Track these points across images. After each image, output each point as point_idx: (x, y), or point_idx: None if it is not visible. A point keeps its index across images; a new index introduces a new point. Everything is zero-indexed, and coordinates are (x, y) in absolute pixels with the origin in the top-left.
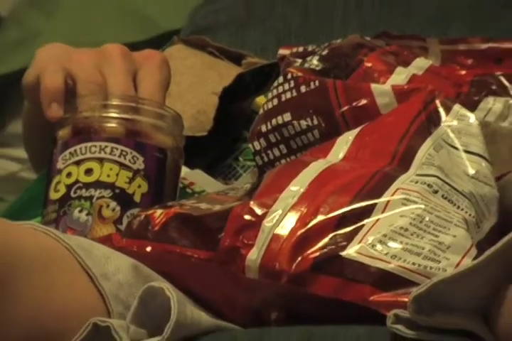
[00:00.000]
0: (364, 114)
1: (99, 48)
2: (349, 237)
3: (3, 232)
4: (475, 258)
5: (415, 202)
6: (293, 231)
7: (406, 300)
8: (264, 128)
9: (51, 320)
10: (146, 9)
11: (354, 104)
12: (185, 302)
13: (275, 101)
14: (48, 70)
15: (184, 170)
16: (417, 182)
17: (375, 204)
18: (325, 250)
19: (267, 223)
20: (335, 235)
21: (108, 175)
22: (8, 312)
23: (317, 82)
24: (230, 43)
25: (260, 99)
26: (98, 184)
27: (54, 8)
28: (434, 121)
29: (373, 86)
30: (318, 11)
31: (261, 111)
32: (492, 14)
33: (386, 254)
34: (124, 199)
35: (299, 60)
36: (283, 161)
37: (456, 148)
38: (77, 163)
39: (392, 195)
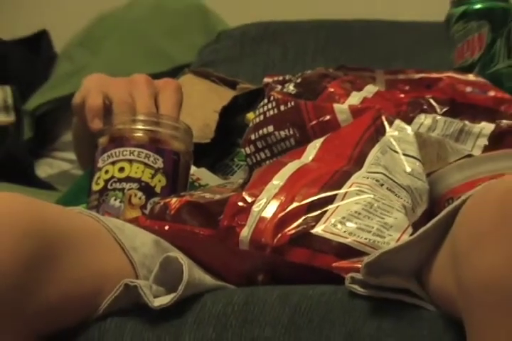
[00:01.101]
0: (328, 126)
1: (129, 77)
2: (317, 219)
3: (56, 216)
4: (411, 234)
5: (366, 193)
6: (275, 214)
7: (360, 265)
8: (253, 137)
9: (93, 281)
10: (165, 48)
11: (321, 119)
12: (193, 268)
13: (261, 117)
14: (91, 94)
15: (193, 169)
16: (368, 178)
17: (336, 194)
18: (299, 228)
19: (256, 208)
20: (306, 217)
21: (136, 172)
22: (61, 276)
23: (293, 103)
24: (228, 74)
25: (250, 115)
26: (128, 179)
27: (97, 47)
28: (381, 131)
29: (335, 105)
30: (294, 50)
31: (251, 124)
32: (424, 54)
33: (345, 232)
34: (148, 190)
35: (279, 86)
36: (267, 162)
37: (396, 152)
38: (113, 163)
39: (349, 187)
